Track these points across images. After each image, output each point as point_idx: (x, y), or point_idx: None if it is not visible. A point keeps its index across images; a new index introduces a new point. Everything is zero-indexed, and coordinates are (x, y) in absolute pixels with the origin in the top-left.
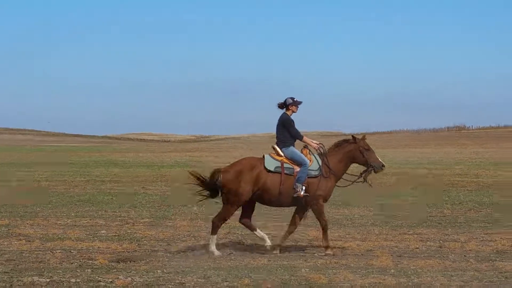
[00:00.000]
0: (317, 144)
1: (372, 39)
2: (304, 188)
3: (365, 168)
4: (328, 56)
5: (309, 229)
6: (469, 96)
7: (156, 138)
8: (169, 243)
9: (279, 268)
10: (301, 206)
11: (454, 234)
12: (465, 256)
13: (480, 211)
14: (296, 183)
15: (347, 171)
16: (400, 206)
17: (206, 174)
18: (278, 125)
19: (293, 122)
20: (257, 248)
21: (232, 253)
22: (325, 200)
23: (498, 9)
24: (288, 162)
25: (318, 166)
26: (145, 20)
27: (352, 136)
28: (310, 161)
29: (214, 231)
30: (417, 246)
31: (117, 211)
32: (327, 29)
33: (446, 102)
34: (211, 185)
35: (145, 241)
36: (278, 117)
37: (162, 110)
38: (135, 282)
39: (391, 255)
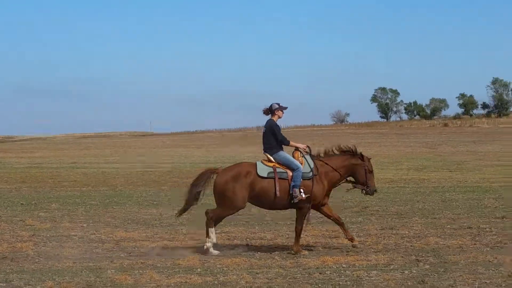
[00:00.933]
0: (305, 146)
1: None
2: (302, 191)
3: (356, 184)
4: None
5: (116, 230)
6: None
7: None
8: None
9: (84, 270)
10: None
11: (261, 232)
12: (270, 253)
13: None
14: (294, 188)
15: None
16: (207, 205)
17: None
18: (265, 132)
19: (279, 128)
20: (64, 249)
21: (38, 255)
22: (315, 202)
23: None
24: (280, 167)
25: (310, 168)
26: None
27: (361, 154)
28: (301, 163)
29: (210, 224)
30: (224, 244)
31: None
32: None
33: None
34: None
35: None
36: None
37: None
38: None
39: (198, 254)
